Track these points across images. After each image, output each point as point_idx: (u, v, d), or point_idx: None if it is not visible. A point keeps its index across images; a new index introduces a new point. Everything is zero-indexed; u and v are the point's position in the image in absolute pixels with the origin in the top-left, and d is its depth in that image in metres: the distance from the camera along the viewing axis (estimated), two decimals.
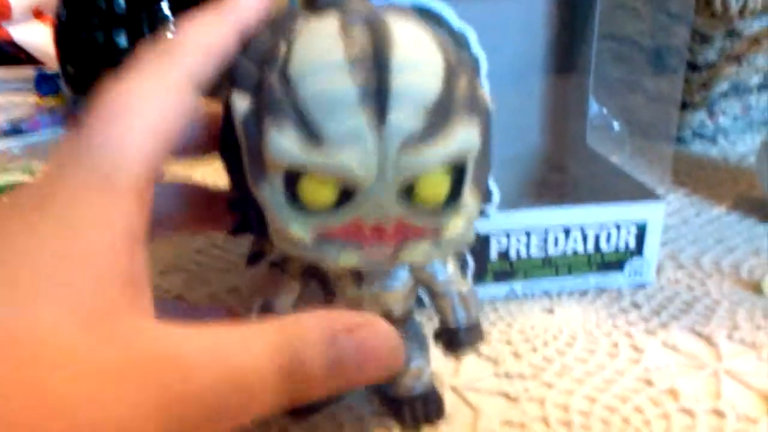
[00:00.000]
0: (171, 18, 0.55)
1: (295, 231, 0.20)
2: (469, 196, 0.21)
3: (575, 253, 0.35)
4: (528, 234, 0.34)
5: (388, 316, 0.24)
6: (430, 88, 0.19)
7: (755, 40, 0.51)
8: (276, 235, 0.21)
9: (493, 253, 0.34)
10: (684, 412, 0.28)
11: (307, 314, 0.19)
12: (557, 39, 0.46)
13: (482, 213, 0.24)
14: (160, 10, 0.54)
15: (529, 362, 0.31)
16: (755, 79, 0.56)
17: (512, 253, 0.35)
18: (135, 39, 0.54)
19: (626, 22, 0.54)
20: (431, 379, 0.27)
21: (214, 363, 0.17)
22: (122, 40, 0.54)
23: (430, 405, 0.27)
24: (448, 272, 0.25)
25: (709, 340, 0.33)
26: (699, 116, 0.57)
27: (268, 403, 0.18)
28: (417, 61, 0.19)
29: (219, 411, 0.17)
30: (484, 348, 0.32)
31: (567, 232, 0.35)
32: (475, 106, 0.21)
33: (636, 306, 0.36)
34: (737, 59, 0.52)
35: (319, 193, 0.20)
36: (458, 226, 0.22)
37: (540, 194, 0.47)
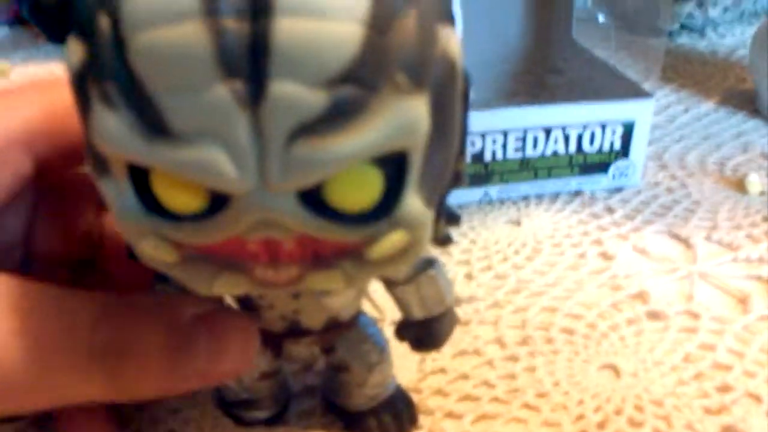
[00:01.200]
0: None
1: (151, 247, 0.14)
2: (413, 200, 0.14)
3: (555, 154, 0.33)
4: (505, 134, 0.32)
5: (334, 322, 0.20)
6: (340, 43, 0.12)
7: None
8: (134, 250, 0.15)
9: (467, 156, 0.32)
10: (654, 316, 0.27)
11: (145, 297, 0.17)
12: None
13: (445, 240, 0.18)
14: None
15: (480, 282, 0.29)
16: None
17: (487, 155, 0.32)
18: None
19: None
20: (395, 382, 0.23)
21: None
22: None
23: (400, 413, 0.23)
24: None
25: (686, 242, 0.31)
26: (687, 7, 0.54)
27: (86, 390, 0.16)
28: None
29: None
30: None
31: (547, 132, 0.33)
32: (426, 64, 0.13)
33: (610, 210, 0.34)
34: None
35: (180, 196, 0.13)
36: (394, 242, 0.15)
37: (522, 93, 0.44)
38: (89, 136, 0.13)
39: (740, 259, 0.30)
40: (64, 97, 0.18)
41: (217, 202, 0.13)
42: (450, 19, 0.14)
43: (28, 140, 0.18)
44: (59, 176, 0.20)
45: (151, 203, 0.14)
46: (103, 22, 0.12)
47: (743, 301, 0.28)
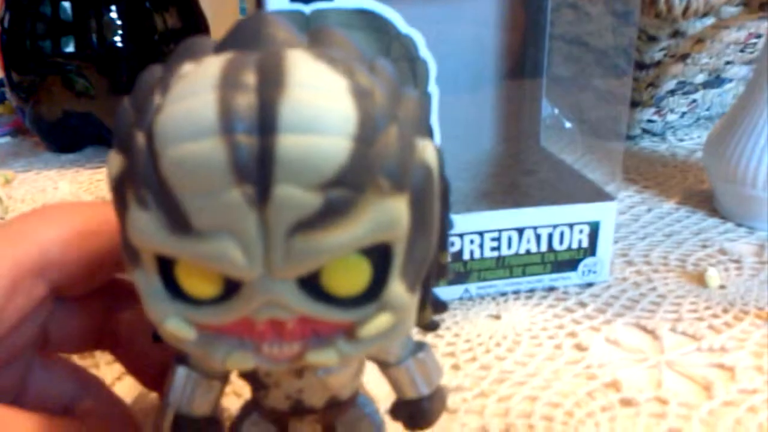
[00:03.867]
0: (119, 23, 0.54)
1: (174, 327, 0.17)
2: (398, 286, 0.16)
3: (528, 252, 0.36)
4: (481, 235, 0.35)
5: (335, 400, 0.21)
6: (332, 154, 0.14)
7: (699, 40, 0.52)
8: (159, 329, 0.17)
9: (449, 250, 0.35)
10: (626, 403, 0.29)
11: None
12: (509, 42, 0.46)
13: (432, 325, 0.21)
14: (108, 16, 0.54)
15: (467, 373, 0.31)
16: (700, 77, 0.57)
17: (466, 254, 0.35)
18: (82, 46, 0.53)
19: (575, 24, 0.55)
20: None
21: None
22: (69, 47, 0.53)
23: None
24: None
25: (653, 333, 0.34)
26: (647, 113, 0.58)
27: None
28: (316, 116, 0.14)
29: None
30: None
31: (520, 232, 0.35)
32: (406, 170, 0.16)
33: (582, 305, 0.36)
34: (683, 58, 0.54)
35: (199, 284, 0.16)
36: (381, 323, 0.17)
37: (497, 193, 0.47)
38: (125, 232, 0.16)
39: (703, 349, 0.32)
40: (77, 223, 0.21)
41: (230, 288, 0.16)
42: (427, 132, 0.17)
43: (43, 266, 0.20)
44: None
45: (175, 290, 0.16)
46: (140, 138, 0.15)
47: (707, 387, 0.30)
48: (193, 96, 0.15)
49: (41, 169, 0.55)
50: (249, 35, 0.16)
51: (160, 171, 0.15)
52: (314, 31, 0.17)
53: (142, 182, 0.15)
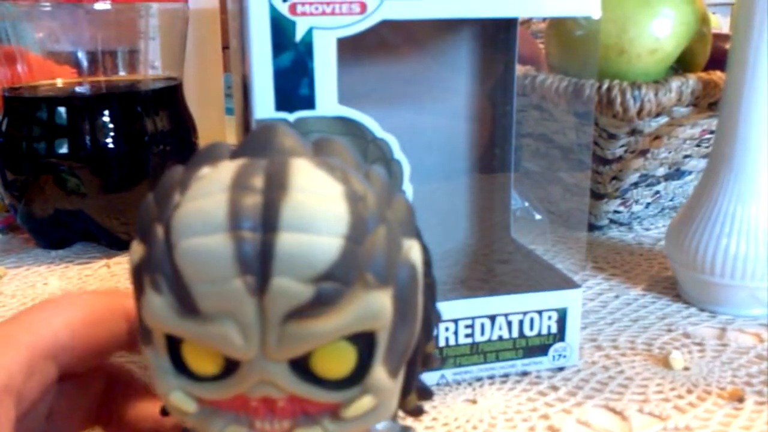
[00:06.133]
0: (111, 126, 0.57)
1: (177, 400, 0.18)
2: (380, 371, 0.18)
3: (501, 339, 0.38)
4: (455, 322, 0.37)
5: None
6: (324, 251, 0.16)
7: (656, 137, 0.56)
8: (164, 401, 0.19)
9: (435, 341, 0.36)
10: None
11: None
12: (479, 139, 0.50)
13: (417, 411, 0.22)
14: (101, 119, 0.56)
15: None
16: (661, 170, 0.61)
17: (441, 341, 0.37)
18: (76, 147, 0.56)
19: (541, 122, 0.59)
20: None
21: None
22: (63, 149, 0.56)
23: None
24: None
25: (621, 414, 0.35)
26: (614, 205, 0.61)
27: None
28: (312, 218, 0.16)
29: None
30: None
31: (492, 319, 0.37)
32: (391, 267, 0.18)
33: (554, 388, 0.38)
34: (642, 153, 0.57)
35: (203, 362, 0.18)
36: (364, 405, 0.18)
37: (473, 280, 0.49)
38: (141, 313, 0.18)
39: (669, 428, 0.34)
40: (83, 312, 0.23)
41: (230, 367, 0.18)
42: (414, 233, 0.19)
43: (55, 351, 0.22)
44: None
45: (180, 366, 0.18)
46: (159, 230, 0.17)
47: None
48: (207, 196, 0.17)
49: (31, 264, 0.57)
50: (261, 143, 0.19)
51: (174, 260, 0.17)
52: (318, 141, 0.19)
53: (157, 269, 0.17)
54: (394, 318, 0.18)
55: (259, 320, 0.17)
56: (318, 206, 0.17)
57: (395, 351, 0.18)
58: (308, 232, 0.16)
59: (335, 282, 0.17)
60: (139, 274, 0.18)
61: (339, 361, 0.18)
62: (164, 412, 0.20)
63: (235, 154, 0.19)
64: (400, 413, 0.22)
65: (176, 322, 0.17)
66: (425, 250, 0.20)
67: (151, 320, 0.17)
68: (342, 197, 0.17)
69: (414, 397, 0.22)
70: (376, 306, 0.17)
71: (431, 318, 0.21)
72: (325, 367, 0.18)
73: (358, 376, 0.18)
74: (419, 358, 0.21)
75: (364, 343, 0.18)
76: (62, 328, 0.22)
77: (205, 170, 0.18)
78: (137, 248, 0.18)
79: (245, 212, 0.16)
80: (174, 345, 0.18)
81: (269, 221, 0.16)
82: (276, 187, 0.17)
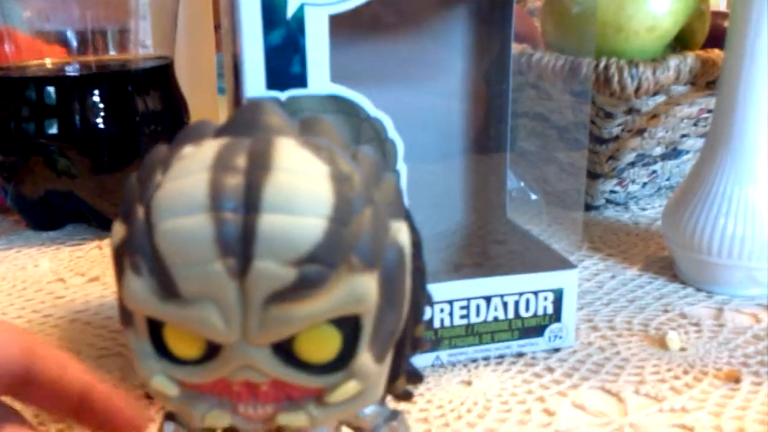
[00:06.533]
0: (101, 106, 0.56)
1: (159, 383, 0.18)
2: (366, 356, 0.18)
3: (496, 320, 0.37)
4: (450, 303, 0.36)
5: None
6: (308, 233, 0.16)
7: (653, 116, 0.55)
8: (146, 384, 0.19)
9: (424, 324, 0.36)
10: None
11: None
12: (474, 119, 0.49)
13: (406, 395, 0.22)
14: (91, 99, 0.56)
15: None
16: (658, 150, 0.60)
17: (436, 323, 0.36)
18: (65, 128, 0.55)
19: (537, 101, 0.58)
20: None
21: None
22: (53, 129, 0.55)
23: None
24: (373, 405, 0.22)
25: (617, 396, 0.35)
26: (610, 184, 0.61)
27: None
28: (295, 199, 0.16)
29: None
30: None
31: (488, 300, 0.37)
32: (377, 249, 0.17)
33: (550, 370, 0.38)
34: (639, 132, 0.57)
35: (184, 345, 0.18)
36: (349, 390, 0.18)
37: (468, 262, 0.49)
38: (121, 295, 0.17)
39: (665, 410, 0.34)
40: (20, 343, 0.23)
41: (211, 351, 0.18)
42: (402, 215, 0.19)
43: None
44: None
45: (162, 349, 0.18)
46: (140, 211, 0.17)
47: None
48: (188, 175, 0.16)
49: (22, 246, 0.56)
50: (246, 122, 0.18)
51: (153, 241, 0.16)
52: (305, 120, 0.19)
53: (137, 251, 0.17)
54: (380, 302, 0.17)
55: (241, 303, 0.16)
56: (302, 187, 0.16)
57: (381, 335, 0.18)
58: (291, 213, 0.16)
59: (319, 264, 0.16)
60: (119, 255, 0.17)
61: (323, 346, 0.17)
62: (148, 396, 0.20)
63: (219, 133, 0.18)
64: (389, 397, 0.22)
65: (156, 305, 0.17)
66: (414, 232, 0.19)
67: (132, 303, 0.17)
68: (327, 177, 0.17)
69: (403, 381, 0.22)
70: (361, 289, 0.17)
71: (421, 301, 0.21)
72: (309, 352, 0.17)
73: (342, 361, 0.18)
74: (408, 341, 0.21)
75: (349, 327, 0.17)
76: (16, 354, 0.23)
77: (188, 149, 0.18)
78: (119, 229, 0.18)
79: (227, 193, 0.16)
80: (155, 328, 0.18)
81: (251, 202, 0.16)
82: (259, 167, 0.16)
